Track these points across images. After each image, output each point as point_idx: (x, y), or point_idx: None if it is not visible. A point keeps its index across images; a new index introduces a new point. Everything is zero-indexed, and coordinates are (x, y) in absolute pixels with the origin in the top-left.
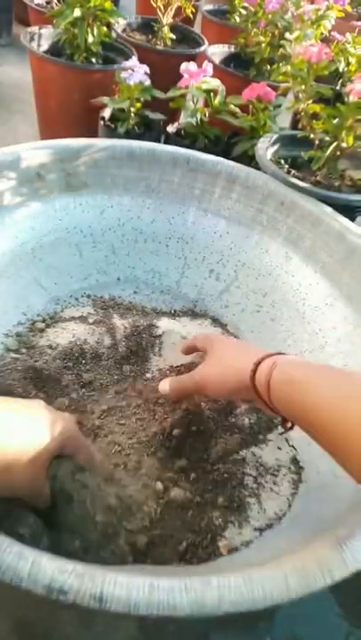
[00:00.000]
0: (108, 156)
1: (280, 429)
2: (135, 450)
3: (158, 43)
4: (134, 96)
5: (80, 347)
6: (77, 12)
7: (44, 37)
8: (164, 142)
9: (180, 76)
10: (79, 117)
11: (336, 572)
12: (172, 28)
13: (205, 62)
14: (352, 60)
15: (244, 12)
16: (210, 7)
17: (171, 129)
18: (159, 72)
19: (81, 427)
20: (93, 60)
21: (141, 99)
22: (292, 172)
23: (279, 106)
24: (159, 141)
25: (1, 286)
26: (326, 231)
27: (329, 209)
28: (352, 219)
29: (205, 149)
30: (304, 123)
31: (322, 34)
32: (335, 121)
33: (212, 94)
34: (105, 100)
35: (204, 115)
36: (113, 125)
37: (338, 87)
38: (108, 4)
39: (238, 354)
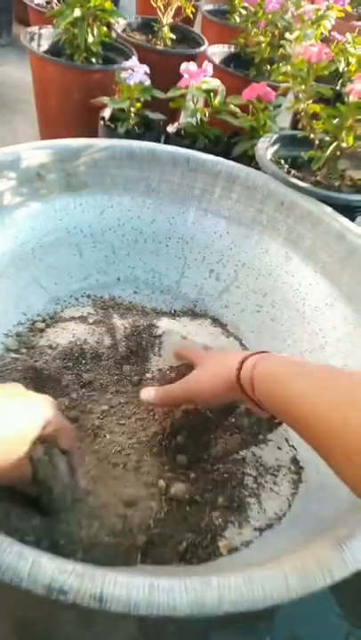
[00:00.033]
0: (108, 155)
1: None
2: (135, 450)
3: (158, 43)
4: (134, 96)
5: (80, 347)
6: (77, 12)
7: (44, 37)
8: (164, 142)
9: (180, 76)
10: (79, 117)
11: (336, 572)
12: (172, 28)
13: (205, 62)
14: (352, 60)
15: (244, 11)
16: (210, 7)
17: (171, 129)
18: (159, 72)
19: (80, 426)
20: (93, 60)
21: (141, 99)
22: (292, 172)
23: (279, 106)
24: (159, 141)
25: (1, 286)
26: (326, 231)
27: (329, 209)
28: (352, 219)
29: (205, 149)
30: (304, 123)
31: (322, 34)
32: (335, 121)
33: (212, 94)
34: (105, 99)
35: (204, 115)
36: (113, 125)
37: (338, 87)
38: (108, 4)
39: (225, 358)
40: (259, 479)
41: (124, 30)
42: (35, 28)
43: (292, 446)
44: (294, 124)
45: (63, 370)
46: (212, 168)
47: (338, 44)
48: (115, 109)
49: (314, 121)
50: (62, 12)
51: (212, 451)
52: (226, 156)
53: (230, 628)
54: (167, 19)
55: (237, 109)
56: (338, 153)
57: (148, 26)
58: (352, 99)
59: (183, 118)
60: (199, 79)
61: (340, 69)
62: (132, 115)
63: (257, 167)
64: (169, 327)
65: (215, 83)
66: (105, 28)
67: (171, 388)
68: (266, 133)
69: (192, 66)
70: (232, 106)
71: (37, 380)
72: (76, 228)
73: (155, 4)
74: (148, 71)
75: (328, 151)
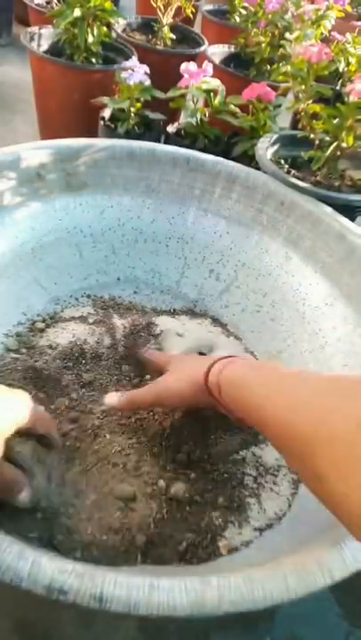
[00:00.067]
0: (108, 156)
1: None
2: (135, 450)
3: (158, 43)
4: (134, 96)
5: (80, 347)
6: (77, 12)
7: (44, 37)
8: (164, 142)
9: (180, 76)
10: (79, 117)
11: (336, 572)
12: (172, 28)
13: (205, 62)
14: (352, 60)
15: (244, 11)
16: (210, 7)
17: (171, 129)
18: (159, 72)
19: (79, 426)
20: (93, 60)
21: (141, 99)
22: (292, 172)
23: (279, 106)
24: (159, 141)
25: (1, 286)
26: (326, 231)
27: (329, 209)
28: (352, 219)
29: (205, 149)
30: (304, 123)
31: (322, 34)
32: (335, 121)
33: (212, 94)
34: (105, 99)
35: (204, 115)
36: (113, 125)
37: (338, 87)
38: (108, 4)
39: (194, 362)
40: (259, 479)
41: (124, 30)
42: (35, 28)
43: None
44: (294, 123)
45: (63, 370)
46: (212, 168)
47: (338, 43)
48: (115, 109)
49: (314, 121)
50: (62, 12)
51: (212, 451)
52: (226, 155)
53: (230, 628)
54: (167, 19)
55: (237, 109)
56: (338, 153)
57: (148, 26)
58: (352, 99)
59: (183, 118)
60: (199, 79)
61: (340, 69)
62: (132, 115)
63: (257, 167)
64: (168, 326)
65: (215, 83)
66: (105, 28)
67: (137, 392)
68: (266, 133)
69: (192, 66)
70: (232, 106)
71: (37, 380)
72: (76, 227)
73: (155, 4)
74: (148, 71)
75: (328, 151)
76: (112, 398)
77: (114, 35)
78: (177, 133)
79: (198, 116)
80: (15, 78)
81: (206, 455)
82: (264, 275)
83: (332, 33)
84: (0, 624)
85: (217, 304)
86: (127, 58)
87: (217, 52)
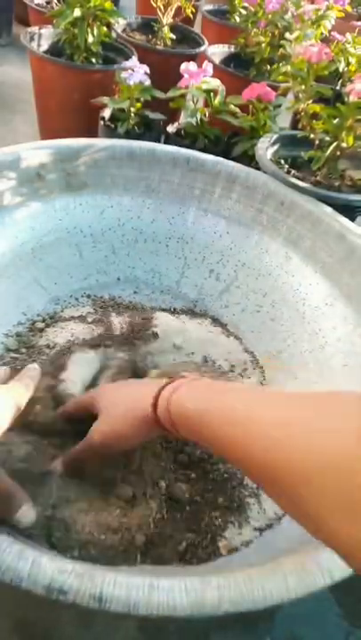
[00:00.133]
0: (108, 156)
1: None
2: (137, 450)
3: (158, 43)
4: (134, 96)
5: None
6: (77, 12)
7: (44, 37)
8: (164, 142)
9: (180, 76)
10: (79, 117)
11: (336, 572)
12: (172, 28)
13: (205, 62)
14: (352, 60)
15: (244, 11)
16: (210, 7)
17: (171, 129)
18: (159, 72)
19: None
20: (93, 60)
21: (141, 99)
22: (292, 172)
23: (279, 106)
24: (159, 141)
25: (1, 286)
26: (326, 231)
27: (329, 209)
28: (352, 219)
29: (205, 149)
30: (304, 123)
31: (322, 34)
32: (335, 121)
33: (212, 94)
34: (105, 99)
35: (204, 115)
36: (113, 125)
37: (338, 87)
38: (108, 4)
39: (131, 398)
40: None
41: (124, 30)
42: (35, 28)
43: None
44: (294, 123)
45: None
46: (212, 168)
47: (338, 43)
48: (115, 109)
49: (314, 121)
50: (62, 12)
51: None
52: (226, 155)
53: (230, 628)
54: (167, 19)
55: (237, 109)
56: (338, 153)
57: (148, 26)
58: (352, 99)
59: (183, 118)
60: (199, 79)
61: (340, 69)
62: (132, 115)
63: (257, 167)
64: (167, 328)
65: (215, 83)
66: (105, 28)
67: (76, 452)
68: (266, 133)
69: (192, 66)
70: (232, 106)
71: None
72: (76, 227)
73: (155, 4)
74: (148, 71)
75: (328, 151)
76: (57, 465)
77: (114, 35)
78: (177, 133)
79: (198, 115)
80: (15, 78)
81: (206, 455)
82: (264, 275)
83: (332, 33)
84: (0, 624)
85: (217, 304)
86: (127, 58)
87: (217, 51)
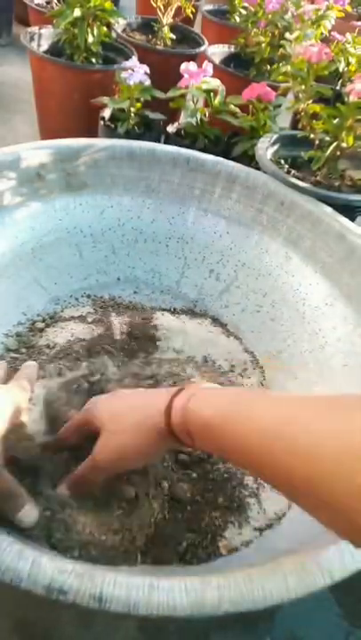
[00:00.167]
0: (108, 155)
1: None
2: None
3: (158, 43)
4: (134, 96)
5: (78, 346)
6: (77, 12)
7: (44, 37)
8: (164, 142)
9: (180, 76)
10: (79, 117)
11: (336, 572)
12: (172, 28)
13: (205, 62)
14: (352, 60)
15: (244, 11)
16: (210, 7)
17: (171, 129)
18: (159, 72)
19: None
20: (93, 60)
21: (141, 99)
22: (292, 172)
23: (279, 106)
24: (159, 141)
25: (1, 286)
26: (326, 231)
27: (329, 209)
28: (352, 219)
29: (205, 149)
30: (304, 123)
31: (322, 34)
32: (335, 121)
33: (212, 94)
34: (105, 100)
35: (204, 115)
36: (113, 125)
37: (338, 87)
38: (108, 4)
39: (138, 413)
40: (259, 479)
41: (124, 30)
42: (35, 28)
43: None
44: (294, 123)
45: (60, 369)
46: (212, 168)
47: (338, 43)
48: (115, 109)
49: (314, 121)
50: (62, 12)
51: None
52: (226, 155)
53: (230, 628)
54: (167, 19)
55: (237, 109)
56: (338, 153)
57: (148, 26)
58: (352, 99)
59: (183, 118)
60: (199, 79)
61: (340, 69)
62: (132, 115)
63: (257, 167)
64: (168, 326)
65: (215, 83)
66: (105, 28)
67: (84, 472)
68: (266, 133)
69: (192, 66)
70: (232, 106)
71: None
72: (76, 227)
73: (155, 4)
74: (148, 71)
75: (328, 151)
76: (62, 489)
77: (114, 35)
78: (177, 133)
79: (198, 115)
80: (15, 78)
81: (206, 455)
82: (264, 275)
83: (332, 33)
84: (0, 624)
85: (217, 304)
86: (127, 58)
87: (217, 51)
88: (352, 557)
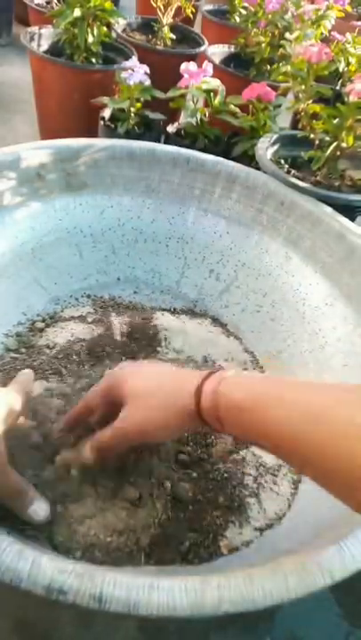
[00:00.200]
0: (108, 155)
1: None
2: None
3: (158, 43)
4: (134, 96)
5: (78, 345)
6: (77, 12)
7: (44, 37)
8: (164, 142)
9: (180, 76)
10: (79, 117)
11: (336, 572)
12: (172, 28)
13: (205, 62)
14: (352, 60)
15: (244, 11)
16: (210, 7)
17: (171, 129)
18: (159, 72)
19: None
20: (93, 60)
21: (141, 99)
22: (292, 171)
23: (279, 106)
24: (159, 141)
25: (1, 286)
26: (326, 231)
27: (329, 209)
28: (352, 219)
29: (205, 149)
30: (304, 123)
31: (322, 34)
32: (335, 121)
33: (212, 94)
34: (105, 99)
35: (204, 115)
36: (113, 125)
37: (338, 87)
38: (108, 4)
39: (167, 391)
40: (259, 479)
41: (124, 30)
42: (35, 28)
43: None
44: (294, 123)
45: (60, 368)
46: (212, 168)
47: (338, 43)
48: (115, 109)
49: (314, 121)
50: (62, 12)
51: (212, 450)
52: (226, 155)
53: (230, 628)
54: (167, 19)
55: (237, 109)
56: (338, 153)
57: (148, 26)
58: (352, 99)
59: (183, 118)
60: (199, 79)
61: (340, 69)
62: (132, 115)
63: (257, 167)
64: (168, 326)
65: (215, 83)
66: (105, 28)
67: (113, 437)
68: (266, 133)
69: (192, 66)
70: (232, 106)
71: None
72: (76, 227)
73: (155, 4)
74: (148, 71)
75: (328, 151)
76: (87, 452)
77: (114, 35)
78: (177, 133)
79: (198, 115)
80: (15, 78)
81: (206, 455)
82: (264, 275)
83: (332, 33)
84: (0, 624)
85: (217, 304)
86: (127, 58)
87: (217, 51)
88: (352, 557)
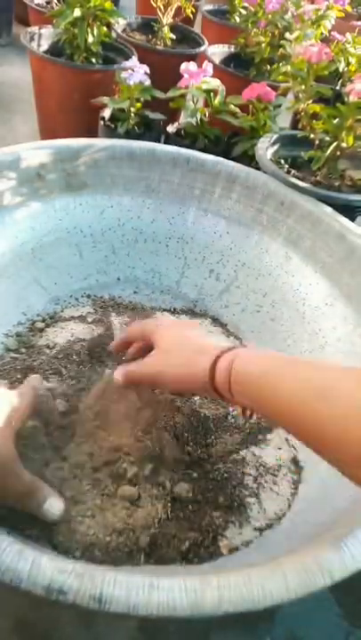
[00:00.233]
0: (108, 156)
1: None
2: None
3: (158, 43)
4: (134, 96)
5: (78, 345)
6: (77, 12)
7: (44, 37)
8: (164, 142)
9: (180, 76)
10: (79, 117)
11: (336, 572)
12: (172, 28)
13: (205, 62)
14: (352, 60)
15: (244, 11)
16: (210, 7)
17: (171, 129)
18: (159, 72)
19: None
20: (93, 60)
21: (141, 99)
22: (292, 171)
23: (279, 106)
24: (159, 141)
25: (1, 286)
26: (326, 231)
27: (329, 209)
28: (352, 219)
29: (205, 149)
30: (304, 123)
31: (322, 34)
32: (335, 121)
33: (212, 94)
34: (105, 99)
35: (204, 115)
36: (113, 125)
37: (338, 87)
38: (108, 4)
39: (193, 350)
40: (259, 479)
41: (124, 30)
42: (35, 28)
43: (293, 446)
44: (294, 123)
45: (60, 368)
46: (212, 168)
47: (338, 43)
48: (115, 109)
49: (314, 121)
50: (62, 12)
51: (212, 450)
52: (226, 155)
53: (230, 628)
54: (167, 19)
55: (237, 109)
56: (338, 153)
57: (148, 26)
58: (352, 99)
59: (183, 118)
60: (199, 79)
61: (340, 69)
62: (132, 115)
63: (257, 167)
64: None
65: (215, 83)
66: (105, 28)
67: (135, 372)
68: (266, 133)
69: (192, 66)
70: (232, 106)
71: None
72: (76, 227)
73: (155, 4)
74: (148, 71)
75: (328, 151)
76: (117, 374)
77: (114, 35)
78: (177, 133)
79: (198, 115)
80: (15, 78)
81: (206, 455)
82: (264, 275)
83: (332, 33)
84: (0, 624)
85: (217, 304)
86: (127, 58)
87: (217, 51)
88: (352, 557)
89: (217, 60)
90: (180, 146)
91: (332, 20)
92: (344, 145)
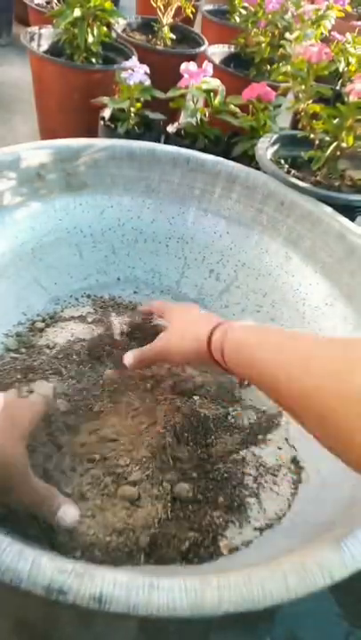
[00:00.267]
0: (108, 156)
1: (279, 427)
2: (136, 450)
3: (158, 43)
4: (134, 96)
5: (79, 345)
6: (77, 12)
7: (44, 37)
8: (164, 142)
9: (180, 76)
10: (79, 117)
11: (336, 572)
12: (172, 28)
13: (205, 62)
14: (352, 60)
15: (244, 11)
16: (210, 7)
17: (171, 129)
18: (159, 72)
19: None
20: (93, 60)
21: (141, 99)
22: (292, 171)
23: (279, 106)
24: (159, 141)
25: (1, 286)
26: (326, 231)
27: (329, 209)
28: (352, 219)
29: (205, 149)
30: (304, 123)
31: (322, 34)
32: (335, 121)
33: (212, 94)
34: (105, 99)
35: (204, 115)
36: (113, 125)
37: (338, 87)
38: (108, 4)
39: (195, 323)
40: (259, 479)
41: (124, 30)
42: (35, 28)
43: (293, 446)
44: (294, 123)
45: (60, 368)
46: (212, 168)
47: (338, 43)
48: (115, 109)
49: (314, 121)
50: (62, 12)
51: (212, 450)
52: (226, 155)
53: (230, 628)
54: (167, 19)
55: (237, 109)
56: (338, 153)
57: (148, 26)
58: (352, 99)
59: (183, 118)
60: (199, 79)
61: (340, 69)
62: (132, 115)
63: (257, 167)
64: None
65: (215, 83)
66: (105, 28)
67: (144, 351)
68: (266, 133)
69: (192, 66)
70: (232, 106)
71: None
72: (76, 227)
73: (155, 4)
74: (148, 71)
75: (328, 151)
76: (126, 359)
77: (114, 35)
78: (177, 133)
79: (198, 115)
80: (15, 78)
81: (206, 455)
82: (264, 275)
83: (332, 33)
84: (0, 624)
85: (217, 304)
86: (127, 58)
87: (217, 51)
88: (352, 557)
89: (217, 60)
90: (180, 146)
91: (332, 20)
92: (344, 145)
